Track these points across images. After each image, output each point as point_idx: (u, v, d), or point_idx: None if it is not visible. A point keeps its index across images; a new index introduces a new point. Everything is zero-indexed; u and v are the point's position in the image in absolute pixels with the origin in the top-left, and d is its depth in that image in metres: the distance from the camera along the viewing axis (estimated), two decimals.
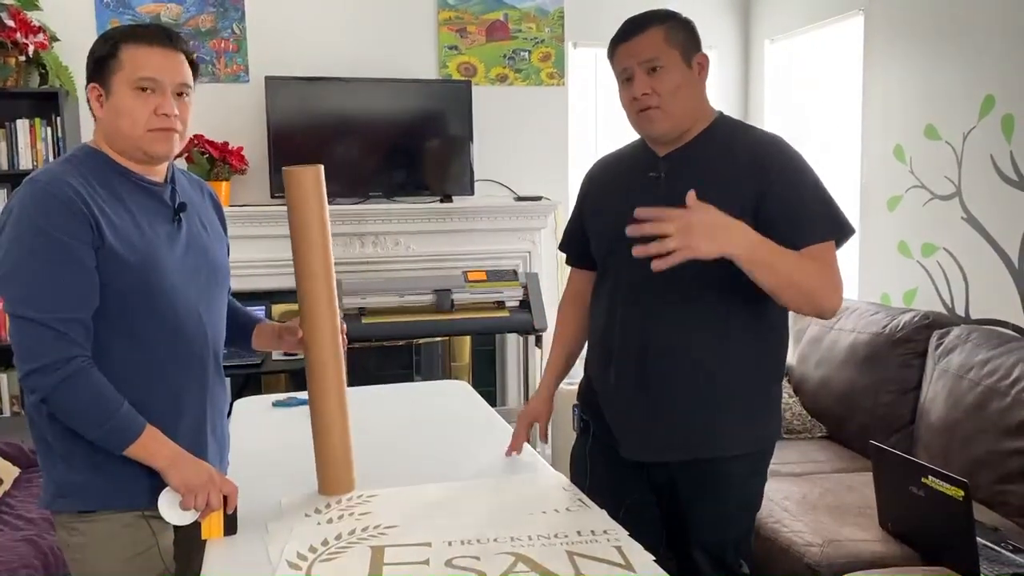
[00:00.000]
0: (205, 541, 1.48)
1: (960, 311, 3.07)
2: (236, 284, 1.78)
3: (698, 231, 1.45)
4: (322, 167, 1.66)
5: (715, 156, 1.69)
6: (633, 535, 1.48)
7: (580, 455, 1.93)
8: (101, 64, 1.48)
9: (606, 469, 1.85)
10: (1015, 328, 2.82)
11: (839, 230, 1.67)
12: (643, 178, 1.75)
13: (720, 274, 1.59)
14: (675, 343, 1.70)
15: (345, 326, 1.74)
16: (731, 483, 1.75)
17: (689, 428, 1.73)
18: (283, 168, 1.66)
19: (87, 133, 3.60)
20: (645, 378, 1.73)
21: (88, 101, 1.52)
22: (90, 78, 1.50)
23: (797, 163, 1.67)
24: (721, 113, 1.77)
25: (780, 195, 1.62)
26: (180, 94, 1.51)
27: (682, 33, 1.69)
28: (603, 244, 1.83)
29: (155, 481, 1.47)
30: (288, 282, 3.71)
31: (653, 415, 1.74)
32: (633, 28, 1.69)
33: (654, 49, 1.65)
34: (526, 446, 1.95)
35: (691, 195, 1.48)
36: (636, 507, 1.79)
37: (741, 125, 1.79)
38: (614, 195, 1.81)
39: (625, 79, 1.70)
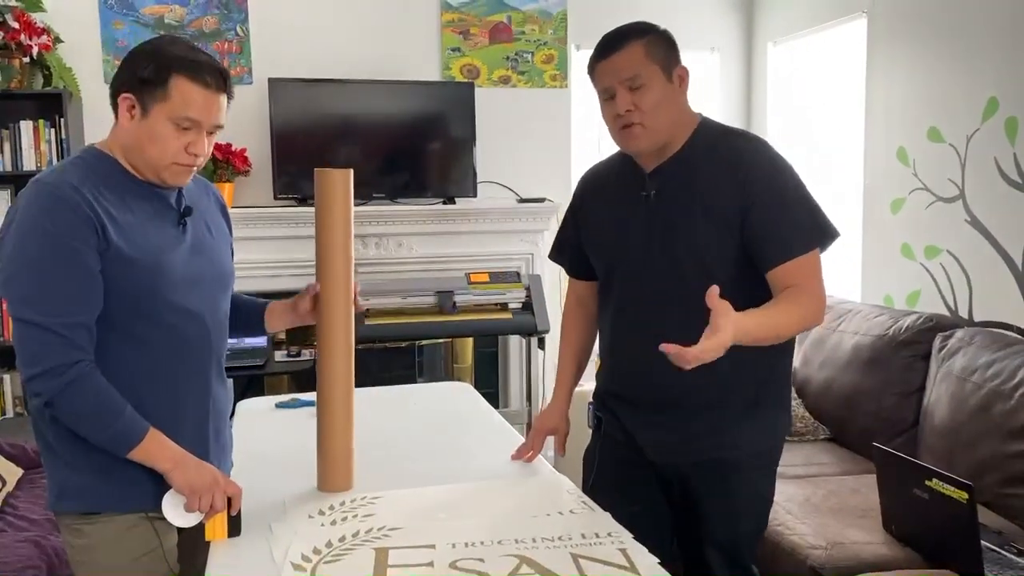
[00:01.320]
0: (209, 543, 1.48)
1: (963, 313, 3.07)
2: (238, 285, 1.77)
3: (711, 356, 1.44)
4: (351, 171, 1.67)
5: (700, 172, 1.68)
6: (642, 532, 1.49)
7: (592, 451, 1.94)
8: (147, 84, 1.44)
9: (616, 466, 1.87)
10: (1018, 331, 2.82)
11: (822, 236, 1.67)
12: (634, 196, 1.75)
13: (724, 280, 1.60)
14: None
15: (359, 286, 1.73)
16: (742, 479, 1.77)
17: (702, 431, 1.74)
18: (315, 169, 1.66)
19: (90, 135, 3.60)
20: (655, 387, 1.75)
21: (113, 105, 1.48)
22: (126, 87, 1.45)
23: (777, 172, 1.67)
24: (703, 119, 1.76)
25: (763, 211, 1.62)
26: (211, 133, 1.51)
27: (662, 47, 1.67)
28: (603, 261, 1.85)
29: (159, 483, 1.47)
30: (290, 284, 3.76)
31: (665, 421, 1.76)
32: (612, 44, 1.67)
33: (635, 67, 1.64)
34: None
35: (713, 293, 1.44)
36: (646, 504, 1.81)
37: (722, 132, 1.76)
38: (607, 212, 1.82)
39: (607, 97, 1.69)
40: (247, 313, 1.78)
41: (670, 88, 1.67)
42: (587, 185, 1.93)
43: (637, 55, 1.64)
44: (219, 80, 1.48)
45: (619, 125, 1.67)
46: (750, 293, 1.64)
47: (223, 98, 1.50)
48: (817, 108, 3.99)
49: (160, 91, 1.44)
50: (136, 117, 1.46)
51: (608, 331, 1.86)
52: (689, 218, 1.68)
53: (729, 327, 1.42)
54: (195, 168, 1.52)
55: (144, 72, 1.44)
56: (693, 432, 1.75)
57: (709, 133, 1.73)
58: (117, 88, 1.48)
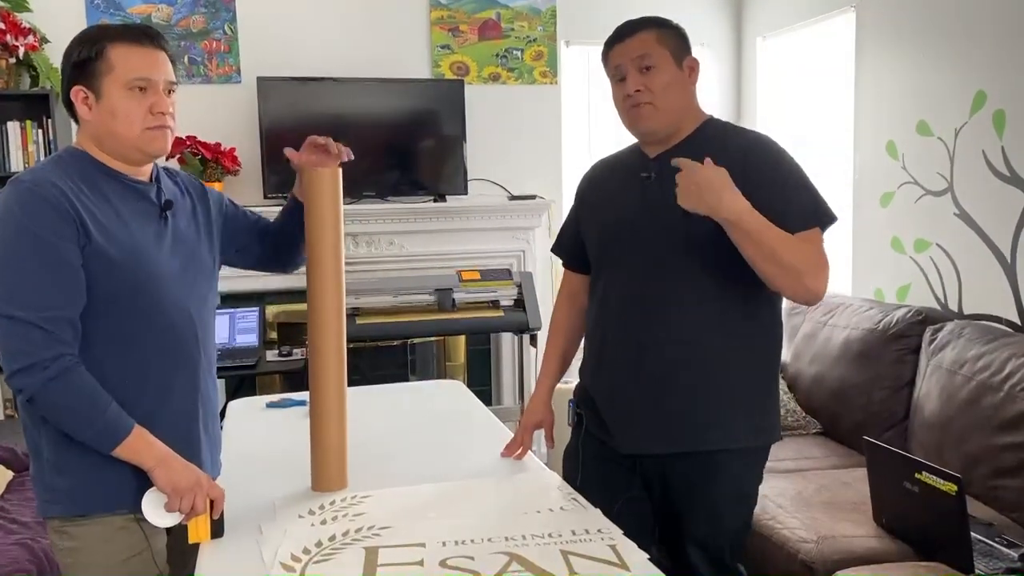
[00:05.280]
0: (198, 544, 1.48)
1: (953, 306, 3.08)
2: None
3: (684, 187, 1.57)
4: (340, 170, 1.69)
5: (704, 157, 1.69)
6: (625, 529, 1.49)
7: (573, 449, 1.94)
8: (86, 66, 1.46)
9: (598, 463, 1.87)
10: (1007, 323, 2.83)
11: (824, 217, 1.71)
12: (634, 179, 1.78)
13: (713, 269, 1.67)
14: (670, 338, 1.73)
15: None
16: (722, 476, 1.76)
17: (683, 421, 1.74)
18: (304, 168, 1.69)
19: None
20: (640, 373, 1.75)
21: (68, 104, 1.50)
22: (73, 81, 1.48)
23: (782, 160, 1.72)
24: (711, 116, 1.81)
25: (766, 191, 1.64)
26: (168, 92, 1.51)
27: (674, 37, 1.76)
28: (596, 245, 1.87)
29: (145, 484, 1.46)
30: (282, 282, 3.75)
31: (647, 408, 1.76)
32: (626, 30, 1.76)
33: (646, 48, 1.72)
34: None
35: (707, 161, 1.57)
36: (628, 501, 1.80)
37: (730, 127, 1.83)
38: (606, 195, 1.86)
39: (618, 79, 1.76)
40: (284, 218, 1.81)
41: (680, 74, 1.74)
42: (590, 176, 1.97)
43: (649, 39, 1.74)
44: (151, 37, 1.49)
45: (629, 105, 1.74)
46: (738, 281, 1.67)
47: (162, 54, 1.51)
48: (806, 102, 4.00)
49: (102, 65, 1.45)
50: (93, 105, 1.48)
51: (594, 317, 1.86)
52: None
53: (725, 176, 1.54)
54: (168, 130, 1.51)
55: (79, 56, 1.47)
56: (675, 420, 1.74)
57: (716, 127, 1.80)
58: (66, 89, 1.49)
